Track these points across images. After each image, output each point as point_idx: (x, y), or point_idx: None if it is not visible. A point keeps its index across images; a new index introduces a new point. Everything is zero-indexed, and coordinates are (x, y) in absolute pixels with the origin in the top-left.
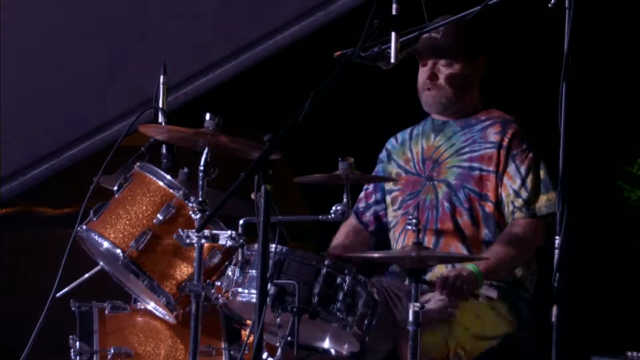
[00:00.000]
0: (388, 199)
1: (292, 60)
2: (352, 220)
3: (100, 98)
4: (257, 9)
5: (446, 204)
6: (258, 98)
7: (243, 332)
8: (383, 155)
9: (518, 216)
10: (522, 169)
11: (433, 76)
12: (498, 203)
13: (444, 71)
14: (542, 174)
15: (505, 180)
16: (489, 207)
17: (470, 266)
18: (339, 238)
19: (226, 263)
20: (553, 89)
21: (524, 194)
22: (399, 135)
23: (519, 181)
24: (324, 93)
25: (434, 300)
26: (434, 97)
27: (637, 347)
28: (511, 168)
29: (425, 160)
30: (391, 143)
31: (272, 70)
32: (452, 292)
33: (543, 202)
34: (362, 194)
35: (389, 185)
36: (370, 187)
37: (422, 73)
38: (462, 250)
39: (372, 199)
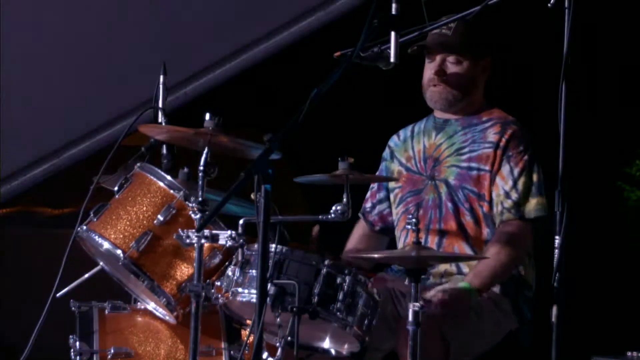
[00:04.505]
0: (391, 197)
1: (292, 60)
2: (363, 223)
3: (100, 98)
4: (257, 9)
5: (449, 204)
6: (258, 98)
7: (243, 332)
8: (386, 153)
9: (507, 217)
10: (516, 171)
11: (440, 72)
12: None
13: (451, 68)
14: (535, 177)
15: (498, 180)
16: (486, 207)
17: (463, 284)
18: (352, 242)
19: (226, 263)
20: (553, 89)
21: (514, 196)
22: (401, 133)
23: (510, 182)
24: (323, 93)
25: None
26: (440, 93)
27: (637, 347)
28: (505, 169)
29: (427, 158)
30: (393, 140)
31: (272, 70)
32: (447, 309)
33: (533, 205)
34: (368, 194)
35: (392, 184)
36: (375, 186)
37: (429, 69)
38: (465, 249)
39: (377, 198)
